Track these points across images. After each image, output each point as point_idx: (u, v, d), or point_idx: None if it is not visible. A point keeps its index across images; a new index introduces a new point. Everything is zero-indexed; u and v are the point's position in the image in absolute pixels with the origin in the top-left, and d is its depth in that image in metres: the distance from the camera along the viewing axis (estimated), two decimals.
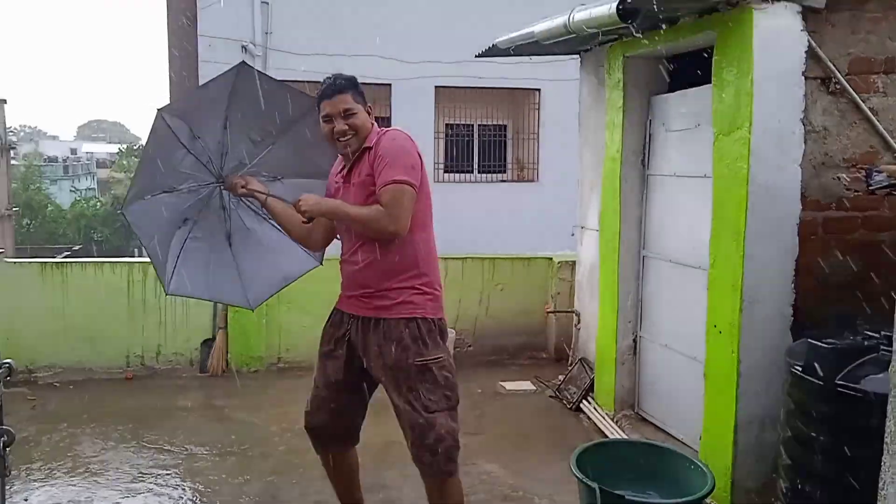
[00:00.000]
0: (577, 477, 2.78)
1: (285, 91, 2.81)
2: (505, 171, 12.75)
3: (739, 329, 3.28)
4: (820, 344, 2.73)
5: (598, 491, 2.64)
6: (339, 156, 2.77)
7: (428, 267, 2.66)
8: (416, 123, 10.26)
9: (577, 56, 5.22)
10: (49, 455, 4.04)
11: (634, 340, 4.53)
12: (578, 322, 5.41)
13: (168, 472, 3.88)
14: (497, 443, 4.30)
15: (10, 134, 20.98)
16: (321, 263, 3.15)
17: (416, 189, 2.54)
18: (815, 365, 2.69)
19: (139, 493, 3.63)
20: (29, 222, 30.03)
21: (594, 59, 4.93)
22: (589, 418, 4.67)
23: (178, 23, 11.50)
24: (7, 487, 2.18)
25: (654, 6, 3.29)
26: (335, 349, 2.77)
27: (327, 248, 3.02)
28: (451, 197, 10.44)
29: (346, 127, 2.60)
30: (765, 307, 3.29)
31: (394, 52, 10.67)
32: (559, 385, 5.17)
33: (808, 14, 3.21)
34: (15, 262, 5.76)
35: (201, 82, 9.47)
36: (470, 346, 5.91)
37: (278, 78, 3.11)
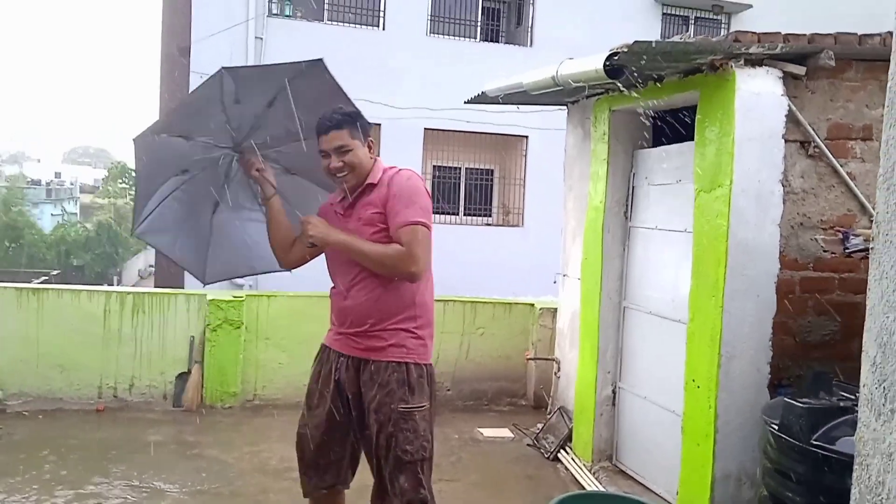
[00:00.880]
0: None
1: (346, 100, 2.72)
2: (490, 215, 12.85)
3: (717, 384, 3.30)
4: (796, 403, 2.75)
5: None
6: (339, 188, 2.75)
7: (424, 309, 2.63)
8: (403, 163, 10.17)
9: (565, 107, 5.32)
10: (11, 487, 3.93)
11: (613, 391, 4.53)
12: (558, 370, 5.41)
13: None
14: (472, 491, 4.25)
15: None
16: (290, 271, 3.03)
17: (430, 231, 2.55)
18: (791, 424, 2.70)
19: None
20: (8, 245, 29.67)
21: (580, 111, 5.03)
22: (566, 469, 4.63)
23: (171, 55, 11.61)
24: None
25: (641, 65, 3.38)
26: (323, 388, 2.70)
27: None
28: (435, 238, 10.45)
29: (341, 164, 2.58)
30: (742, 363, 3.31)
31: (385, 93, 10.80)
32: (537, 434, 5.14)
33: (788, 80, 3.32)
34: None
35: None
36: (448, 389, 5.87)
37: None
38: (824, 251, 3.41)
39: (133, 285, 23.70)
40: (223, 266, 3.04)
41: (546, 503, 2.92)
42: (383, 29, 11.84)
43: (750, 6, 12.83)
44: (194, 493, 4.01)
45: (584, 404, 4.64)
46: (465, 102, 5.55)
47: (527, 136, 12.07)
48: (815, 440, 2.61)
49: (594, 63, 3.43)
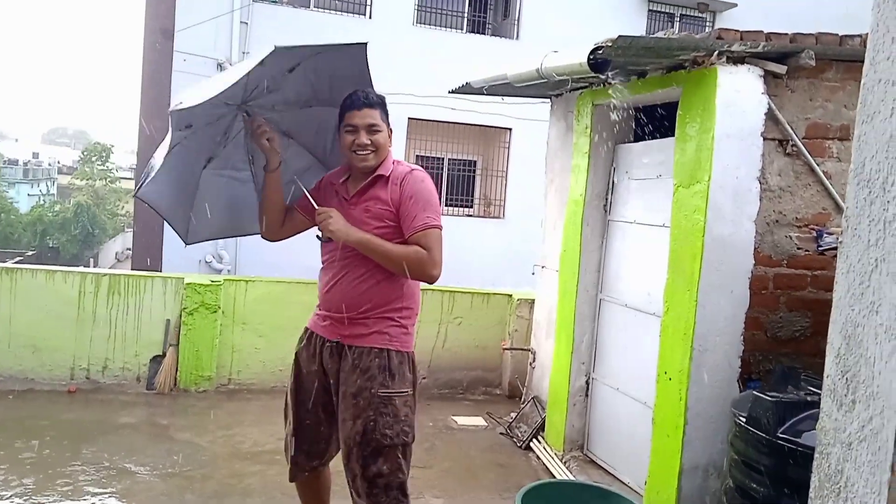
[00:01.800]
0: None
1: (371, 87, 2.71)
2: (472, 206, 12.86)
3: (689, 377, 3.34)
4: (764, 397, 2.80)
5: None
6: (343, 167, 2.75)
7: (413, 300, 2.68)
8: None
9: (548, 100, 5.34)
10: None
11: (587, 382, 4.57)
12: (534, 360, 5.44)
13: (104, 490, 3.76)
14: (445, 477, 4.28)
15: None
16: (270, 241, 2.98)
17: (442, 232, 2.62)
18: (759, 417, 2.75)
19: None
20: None
21: (563, 105, 5.05)
22: (538, 457, 4.67)
23: (154, 37, 11.45)
24: None
25: (624, 59, 3.40)
26: (308, 373, 2.72)
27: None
28: None
29: (369, 141, 2.60)
30: (714, 356, 3.36)
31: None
32: (511, 422, 5.17)
33: (769, 78, 3.35)
34: None
35: (174, 95, 9.41)
36: (424, 377, 5.88)
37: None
38: (798, 248, 3.46)
39: (110, 267, 23.42)
40: (205, 226, 2.97)
41: (517, 491, 2.95)
42: (370, 17, 11.77)
43: (735, 5, 12.92)
44: (165, 475, 3.99)
45: (558, 394, 4.68)
46: (449, 92, 5.54)
47: (510, 129, 12.08)
48: (782, 433, 2.66)
49: (578, 56, 3.45)
